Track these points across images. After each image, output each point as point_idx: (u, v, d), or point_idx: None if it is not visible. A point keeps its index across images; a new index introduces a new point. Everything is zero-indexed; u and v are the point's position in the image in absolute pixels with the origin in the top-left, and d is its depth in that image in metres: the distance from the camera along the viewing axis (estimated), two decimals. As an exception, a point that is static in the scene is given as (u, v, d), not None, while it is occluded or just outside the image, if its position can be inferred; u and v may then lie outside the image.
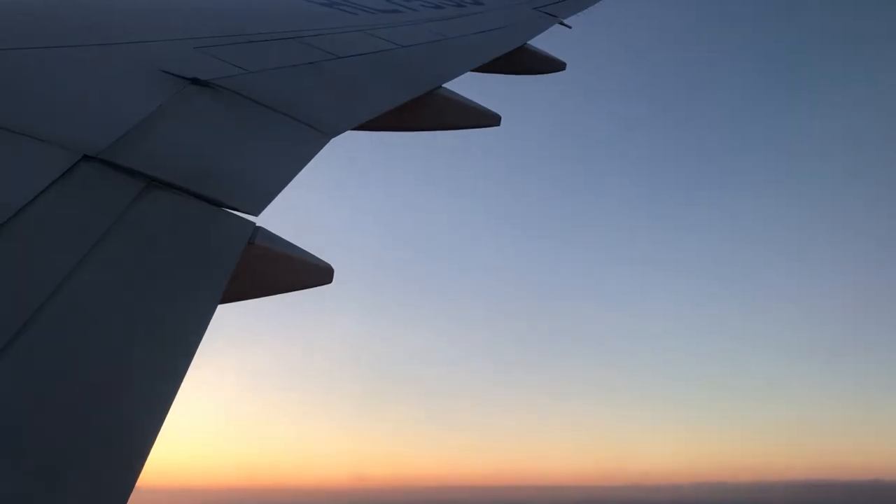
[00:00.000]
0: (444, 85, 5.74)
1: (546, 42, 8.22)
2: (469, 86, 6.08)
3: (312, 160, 3.71)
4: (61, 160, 2.68)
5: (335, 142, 4.04)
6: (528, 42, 7.89)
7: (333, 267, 3.47)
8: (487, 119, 6.20)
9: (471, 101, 6.01)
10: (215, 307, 2.50)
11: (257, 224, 3.06)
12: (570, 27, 9.19)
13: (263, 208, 3.15)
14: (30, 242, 2.27)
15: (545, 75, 8.10)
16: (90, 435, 1.88)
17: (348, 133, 4.26)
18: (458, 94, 5.86)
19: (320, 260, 3.44)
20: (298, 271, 3.35)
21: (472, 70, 6.45)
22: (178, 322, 2.39)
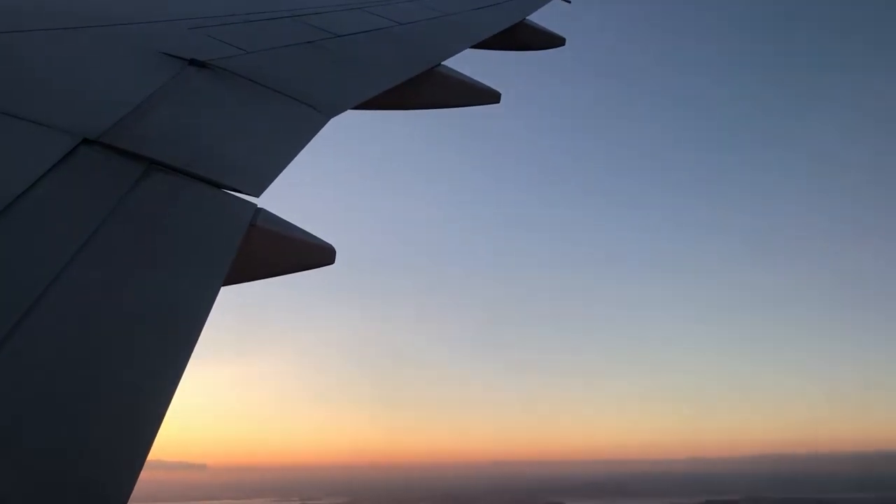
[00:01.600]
0: (444, 62, 5.71)
1: (545, 17, 8.16)
2: (468, 63, 6.05)
3: (313, 140, 3.71)
4: (61, 144, 2.68)
5: (335, 121, 4.03)
6: (527, 17, 7.82)
7: (335, 247, 3.47)
8: (487, 96, 6.16)
9: (470, 79, 5.97)
10: (218, 289, 2.51)
11: (258, 206, 3.06)
12: (569, 2, 9.12)
13: (264, 189, 3.14)
14: (31, 227, 2.28)
15: (545, 51, 8.04)
16: (95, 417, 1.89)
17: (348, 112, 4.24)
18: (457, 72, 5.82)
19: (322, 241, 3.44)
20: (300, 252, 3.35)
21: (472, 47, 6.41)
22: (182, 304, 2.40)
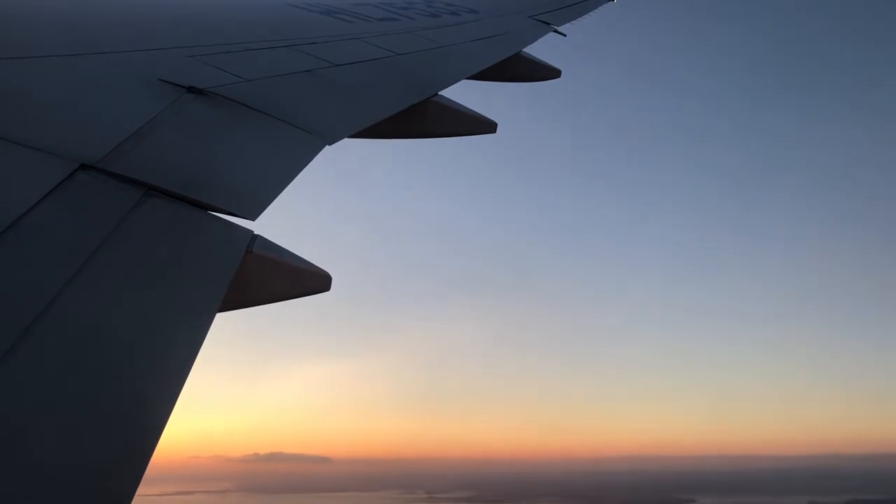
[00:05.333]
0: (441, 92, 5.75)
1: (541, 50, 8.25)
2: (465, 93, 6.10)
3: (310, 168, 3.72)
4: (59, 169, 2.68)
5: (333, 149, 4.04)
6: (523, 50, 7.91)
7: (331, 274, 3.47)
8: (483, 126, 6.20)
9: (467, 109, 6.02)
10: (214, 315, 2.49)
11: (255, 231, 3.06)
12: (564, 35, 9.23)
13: (260, 213, 3.15)
14: (28, 252, 2.27)
15: (540, 83, 8.12)
16: (91, 445, 1.87)
17: (345, 140, 4.26)
18: (454, 102, 5.87)
19: (318, 268, 3.44)
20: (296, 280, 3.35)
21: (468, 77, 6.46)
22: (178, 330, 2.39)
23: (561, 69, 8.18)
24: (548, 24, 9.13)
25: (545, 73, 8.09)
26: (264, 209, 3.17)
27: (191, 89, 3.83)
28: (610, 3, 10.83)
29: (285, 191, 3.44)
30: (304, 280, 3.39)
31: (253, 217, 3.07)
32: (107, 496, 1.77)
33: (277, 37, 5.47)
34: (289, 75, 4.76)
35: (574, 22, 9.69)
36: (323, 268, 3.48)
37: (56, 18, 4.52)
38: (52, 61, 3.70)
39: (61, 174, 2.65)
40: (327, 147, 4.01)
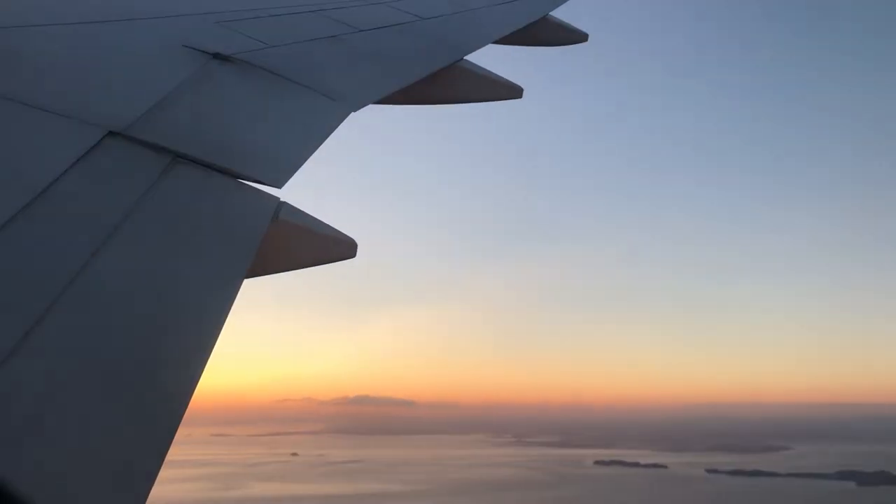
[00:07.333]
0: (466, 57, 5.69)
1: (567, 13, 8.11)
2: (491, 58, 6.02)
3: (336, 134, 3.71)
4: (87, 136, 2.70)
5: (358, 115, 4.03)
6: (550, 13, 7.78)
7: (356, 241, 3.48)
8: (509, 91, 6.14)
9: (493, 74, 5.95)
10: (241, 282, 2.51)
11: (281, 199, 3.07)
12: None
13: (286, 181, 3.15)
14: (57, 218, 2.30)
15: (567, 47, 7.99)
16: (118, 411, 1.90)
17: (370, 106, 4.24)
18: (479, 67, 5.80)
19: (344, 235, 3.45)
20: (322, 246, 3.36)
21: (494, 42, 6.38)
22: (205, 296, 2.41)
23: (588, 33, 8.05)
24: None
25: (572, 37, 7.96)
26: (290, 177, 3.17)
27: (216, 56, 3.83)
28: None
29: (311, 157, 3.44)
30: (330, 247, 3.40)
31: (279, 185, 3.08)
32: (139, 456, 1.81)
33: (302, 2, 5.44)
34: (314, 41, 4.74)
35: None
36: (349, 234, 3.49)
37: None
38: (79, 29, 3.71)
39: (89, 141, 2.68)
40: (353, 113, 4.00)
